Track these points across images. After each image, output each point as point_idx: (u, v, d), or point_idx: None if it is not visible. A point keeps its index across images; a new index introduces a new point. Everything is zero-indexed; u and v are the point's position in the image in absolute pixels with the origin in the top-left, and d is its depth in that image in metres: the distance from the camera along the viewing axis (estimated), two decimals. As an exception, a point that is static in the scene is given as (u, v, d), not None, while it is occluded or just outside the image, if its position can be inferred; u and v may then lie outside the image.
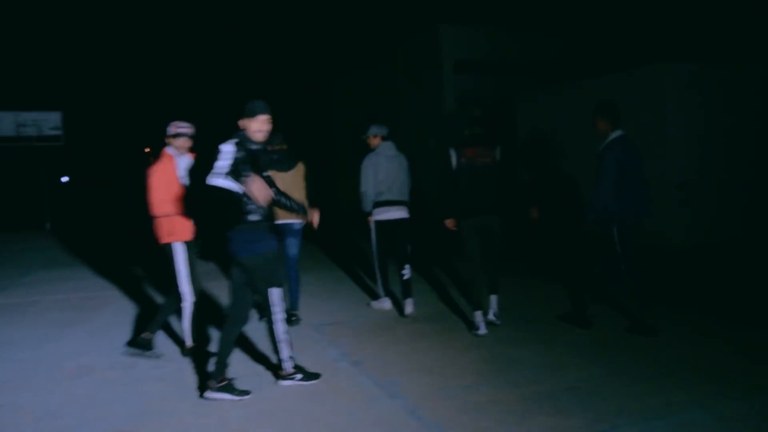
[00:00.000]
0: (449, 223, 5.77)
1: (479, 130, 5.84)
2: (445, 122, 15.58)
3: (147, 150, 49.51)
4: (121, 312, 6.92)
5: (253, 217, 4.16)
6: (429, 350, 5.12)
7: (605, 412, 3.77)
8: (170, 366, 4.90)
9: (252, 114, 4.24)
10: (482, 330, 5.53)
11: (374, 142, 6.52)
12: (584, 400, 3.95)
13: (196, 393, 4.28)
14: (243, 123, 4.25)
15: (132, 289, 8.24)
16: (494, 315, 5.80)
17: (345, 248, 11.28)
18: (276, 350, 4.41)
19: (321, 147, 22.73)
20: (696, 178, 9.86)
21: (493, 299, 5.81)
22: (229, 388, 4.20)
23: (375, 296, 6.92)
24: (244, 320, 4.36)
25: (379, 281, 6.63)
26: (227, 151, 4.03)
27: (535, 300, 6.79)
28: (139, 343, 5.19)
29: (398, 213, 6.42)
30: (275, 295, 4.31)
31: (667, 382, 4.22)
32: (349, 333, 5.72)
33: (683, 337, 5.26)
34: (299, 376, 4.42)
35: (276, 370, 4.55)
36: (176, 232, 5.11)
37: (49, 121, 19.46)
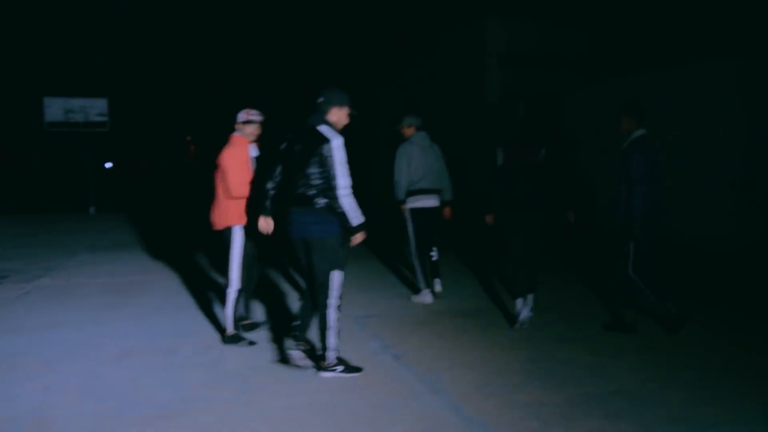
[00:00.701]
0: (488, 218, 5.92)
1: (523, 130, 6.15)
2: (488, 117, 15.39)
3: (188, 137, 50.31)
4: (163, 296, 6.97)
5: (323, 201, 4.25)
6: (472, 346, 5.03)
7: (657, 419, 3.63)
8: (212, 353, 4.90)
9: (343, 103, 4.32)
10: (524, 315, 5.53)
11: (408, 132, 6.64)
12: (634, 405, 3.82)
13: (238, 381, 4.26)
14: (335, 111, 4.34)
15: (173, 274, 8.31)
16: (529, 312, 5.60)
17: (383, 241, 11.21)
18: (322, 338, 4.35)
19: (363, 142, 22.65)
20: (753, 176, 9.52)
21: (530, 297, 5.65)
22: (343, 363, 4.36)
23: (415, 290, 6.84)
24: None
25: (419, 272, 6.63)
26: (342, 146, 4.21)
27: (577, 300, 6.63)
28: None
29: (431, 201, 6.57)
30: (336, 278, 4.31)
31: (720, 389, 4.06)
32: (390, 326, 5.65)
33: (734, 342, 5.07)
34: (340, 368, 4.37)
35: (318, 360, 4.50)
36: (242, 216, 5.12)
37: (95, 108, 19.79)
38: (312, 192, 4.25)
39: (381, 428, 3.53)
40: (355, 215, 4.23)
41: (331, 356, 4.35)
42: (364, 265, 8.72)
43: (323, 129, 4.28)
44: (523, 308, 5.54)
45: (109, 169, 46.84)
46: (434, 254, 6.67)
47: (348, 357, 4.69)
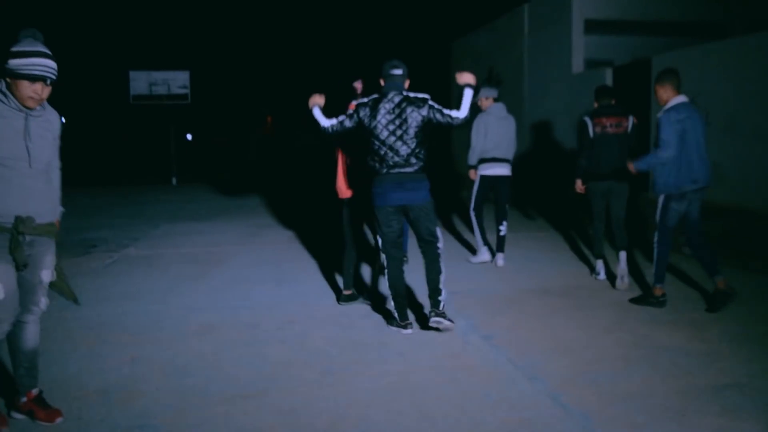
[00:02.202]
0: (578, 185, 6.18)
1: (612, 100, 6.29)
2: (574, 86, 14.67)
3: (268, 118, 50.99)
4: (244, 267, 6.94)
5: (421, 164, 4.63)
6: (565, 328, 4.72)
7: (784, 416, 3.26)
8: (294, 328, 4.78)
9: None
10: (602, 275, 6.09)
11: (485, 103, 6.90)
12: (754, 402, 3.43)
13: (322, 360, 4.11)
14: (407, 83, 4.66)
15: (254, 245, 8.30)
16: (623, 274, 5.83)
17: (455, 211, 10.89)
18: (436, 290, 4.56)
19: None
20: None
21: (622, 255, 5.91)
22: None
23: (473, 252, 7.22)
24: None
25: (478, 233, 6.99)
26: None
27: (674, 277, 6.17)
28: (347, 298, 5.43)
29: (502, 170, 6.85)
30: (439, 231, 4.71)
31: None
32: (475, 303, 5.40)
33: None
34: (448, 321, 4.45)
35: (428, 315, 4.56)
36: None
37: (177, 80, 20.14)
38: (419, 155, 4.55)
39: (476, 417, 3.29)
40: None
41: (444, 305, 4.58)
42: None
43: (413, 93, 4.57)
44: (601, 269, 6.10)
45: (191, 140, 48.09)
46: (503, 229, 6.88)
47: (435, 337, 4.49)
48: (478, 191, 6.90)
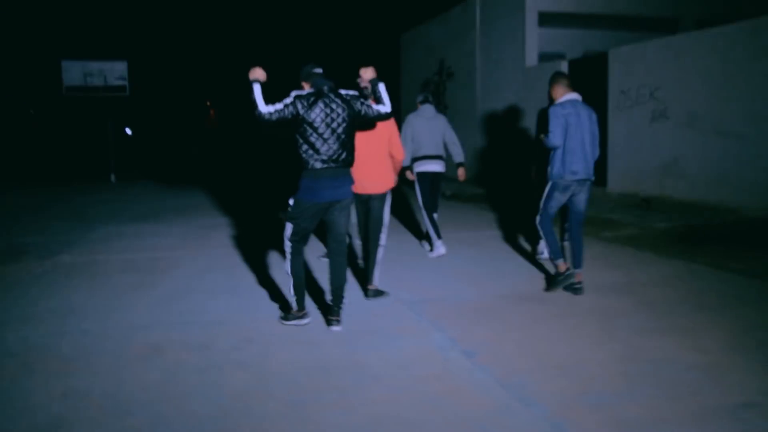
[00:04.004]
0: (534, 175, 6.44)
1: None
2: (527, 80, 14.42)
3: (208, 103, 49.54)
4: (193, 275, 6.35)
5: None
6: (551, 340, 4.32)
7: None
8: (252, 348, 4.24)
9: None
10: (545, 255, 6.40)
11: (419, 106, 7.36)
12: (777, 424, 3.10)
13: (287, 388, 3.60)
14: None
15: (203, 248, 7.69)
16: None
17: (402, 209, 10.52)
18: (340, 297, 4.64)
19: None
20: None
21: (567, 246, 5.88)
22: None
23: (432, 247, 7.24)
24: None
25: (431, 228, 7.16)
26: None
27: (653, 276, 5.90)
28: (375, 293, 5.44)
29: (435, 166, 7.19)
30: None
31: None
32: (450, 313, 4.96)
33: None
34: None
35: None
36: None
37: (114, 71, 19.12)
38: (350, 150, 4.65)
39: (470, 456, 2.86)
40: None
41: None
42: (402, 241, 8.03)
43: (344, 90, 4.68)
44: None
45: (130, 135, 46.34)
46: (434, 216, 7.29)
47: (412, 352, 4.06)
48: (421, 188, 7.21)
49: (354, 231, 6.00)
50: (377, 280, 5.51)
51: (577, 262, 5.52)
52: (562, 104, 5.40)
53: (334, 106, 4.49)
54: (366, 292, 5.47)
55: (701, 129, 9.75)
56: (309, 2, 31.36)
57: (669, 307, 5.04)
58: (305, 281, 4.79)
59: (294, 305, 4.70)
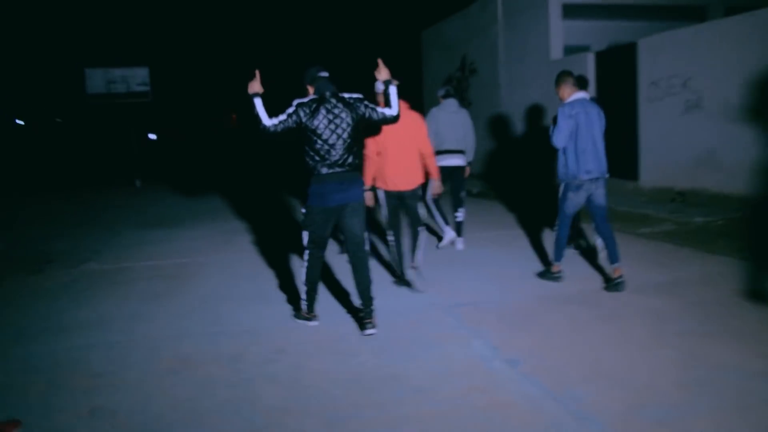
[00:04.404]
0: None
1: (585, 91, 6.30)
2: (552, 74, 14.08)
3: (229, 108, 49.69)
4: (219, 282, 6.20)
5: None
6: (600, 346, 4.09)
7: None
8: (284, 360, 4.06)
9: None
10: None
11: (441, 100, 7.40)
12: None
13: (323, 402, 3.42)
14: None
15: (229, 253, 7.54)
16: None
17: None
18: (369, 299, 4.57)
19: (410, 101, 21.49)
20: None
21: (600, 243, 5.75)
22: None
23: (440, 238, 7.35)
24: None
25: (439, 217, 7.15)
26: None
27: (698, 274, 5.62)
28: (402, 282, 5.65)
29: (456, 160, 7.20)
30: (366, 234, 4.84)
31: None
32: (489, 318, 4.74)
33: None
34: None
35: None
36: None
37: (136, 77, 19.14)
38: (356, 154, 4.61)
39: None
40: None
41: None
42: (430, 240, 7.81)
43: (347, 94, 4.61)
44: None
45: (154, 140, 46.61)
46: (459, 215, 7.32)
47: (452, 362, 3.86)
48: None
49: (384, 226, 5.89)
50: (420, 261, 5.70)
51: (612, 257, 5.41)
52: (571, 104, 5.37)
53: (337, 111, 4.46)
54: (404, 274, 5.72)
55: (738, 119, 9.39)
56: (329, 1, 31.27)
57: (720, 308, 4.77)
58: (320, 284, 4.83)
59: (304, 308, 4.73)
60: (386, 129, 5.33)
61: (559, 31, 14.42)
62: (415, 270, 5.66)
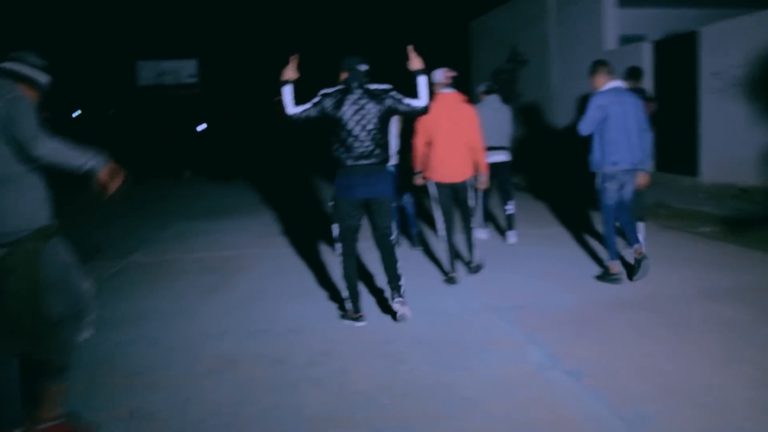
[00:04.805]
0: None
1: (634, 83, 6.59)
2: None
3: (276, 99, 49.86)
4: (265, 277, 6.07)
5: None
6: (668, 358, 3.78)
7: None
8: (330, 363, 3.88)
9: None
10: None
11: (482, 96, 7.41)
12: None
13: (371, 412, 3.22)
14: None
15: (276, 247, 7.43)
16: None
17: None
18: (395, 277, 4.56)
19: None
20: None
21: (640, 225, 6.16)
22: None
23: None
24: None
25: (482, 214, 7.28)
26: None
27: (765, 278, 5.25)
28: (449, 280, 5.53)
29: (499, 156, 7.21)
30: (394, 224, 4.77)
31: None
32: (545, 323, 4.48)
33: None
34: None
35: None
36: None
37: (185, 69, 19.34)
38: (383, 146, 4.54)
39: None
40: None
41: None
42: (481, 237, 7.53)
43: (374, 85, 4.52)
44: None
45: (202, 131, 47.15)
46: (509, 208, 7.26)
47: (506, 371, 3.60)
48: None
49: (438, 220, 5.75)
50: (478, 258, 5.85)
51: (631, 240, 5.46)
52: (602, 93, 5.31)
53: (363, 102, 4.38)
54: (469, 268, 5.84)
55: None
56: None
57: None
58: (370, 283, 4.88)
59: (350, 308, 4.60)
60: (436, 120, 5.39)
61: (614, 20, 13.91)
62: (477, 268, 5.80)
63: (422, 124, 5.54)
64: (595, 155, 5.37)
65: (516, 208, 7.38)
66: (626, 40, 13.81)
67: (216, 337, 4.41)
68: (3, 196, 2.81)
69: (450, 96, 5.62)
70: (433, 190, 5.64)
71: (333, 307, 4.99)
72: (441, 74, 5.67)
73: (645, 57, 11.93)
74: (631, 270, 5.41)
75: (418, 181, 5.81)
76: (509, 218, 7.25)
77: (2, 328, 2.84)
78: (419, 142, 5.63)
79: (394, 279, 4.56)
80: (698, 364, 3.68)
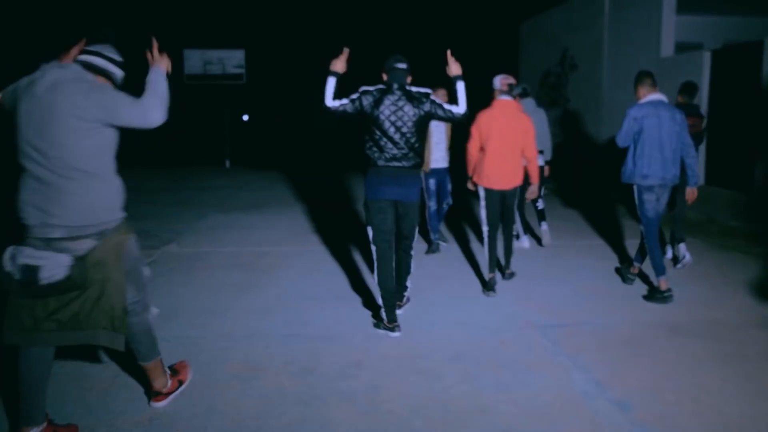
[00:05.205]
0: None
1: (687, 99, 6.65)
2: (663, 73, 13.06)
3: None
4: (300, 275, 5.92)
5: None
6: (726, 393, 3.49)
7: None
8: (361, 376, 3.69)
9: None
10: (688, 258, 6.23)
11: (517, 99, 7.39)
12: None
13: (399, 431, 3.03)
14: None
15: (313, 243, 7.28)
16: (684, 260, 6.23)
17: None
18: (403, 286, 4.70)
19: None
20: None
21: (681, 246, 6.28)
22: None
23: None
24: None
25: (520, 225, 7.15)
26: None
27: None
28: (488, 286, 5.40)
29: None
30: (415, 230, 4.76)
31: None
32: (591, 345, 4.21)
33: None
34: None
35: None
36: None
37: (232, 59, 19.33)
38: (417, 150, 4.48)
39: None
40: None
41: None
42: (520, 246, 7.25)
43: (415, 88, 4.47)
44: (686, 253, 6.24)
45: (246, 122, 47.43)
46: (540, 204, 7.26)
47: (548, 397, 3.36)
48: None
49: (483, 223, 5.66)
50: (513, 266, 5.88)
51: (641, 258, 5.62)
52: (639, 106, 5.29)
53: (401, 103, 4.32)
54: (503, 275, 5.78)
55: None
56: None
57: None
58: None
59: (384, 317, 4.41)
60: (490, 126, 5.38)
61: (671, 26, 13.40)
62: (511, 276, 5.74)
63: (477, 129, 5.48)
64: (627, 166, 5.34)
65: (559, 218, 7.16)
66: (682, 47, 13.33)
67: (245, 340, 4.26)
68: (92, 189, 2.87)
69: (508, 103, 5.53)
70: (482, 195, 5.55)
71: (367, 314, 4.80)
72: (499, 81, 5.63)
73: (704, 66, 11.45)
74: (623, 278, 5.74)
75: (469, 186, 5.75)
76: (541, 212, 7.26)
77: (66, 322, 2.86)
78: (473, 147, 5.56)
79: (401, 288, 4.66)
80: (757, 402, 3.39)
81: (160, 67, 3.06)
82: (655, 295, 5.22)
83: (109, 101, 2.84)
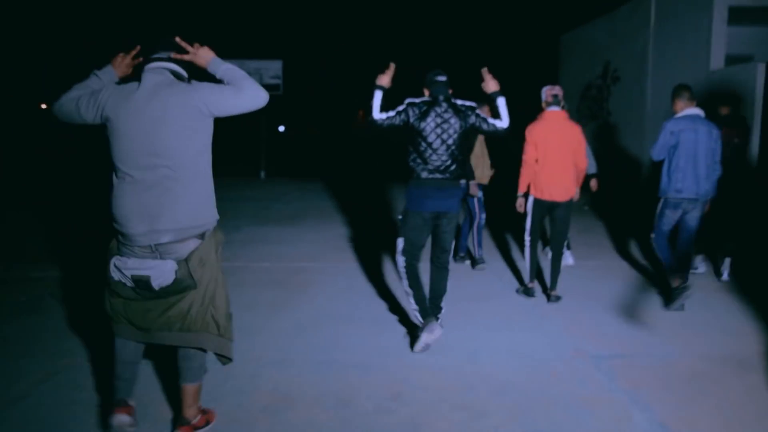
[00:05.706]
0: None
1: (729, 110, 6.71)
2: (712, 86, 12.58)
3: (361, 112, 50.07)
4: (332, 297, 5.66)
5: None
6: (806, 442, 3.13)
7: None
8: (400, 411, 3.40)
9: None
10: (725, 276, 6.22)
11: None
12: None
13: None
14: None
15: (343, 263, 7.02)
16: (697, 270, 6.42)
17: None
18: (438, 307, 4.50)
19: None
20: None
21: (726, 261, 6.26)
22: None
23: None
24: None
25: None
26: None
27: None
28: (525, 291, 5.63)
29: None
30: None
31: None
32: (650, 379, 3.86)
33: None
34: None
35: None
36: None
37: (269, 70, 19.31)
38: (460, 163, 4.48)
39: None
40: None
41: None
42: (566, 266, 6.88)
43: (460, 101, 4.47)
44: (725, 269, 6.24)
45: (282, 132, 47.71)
46: None
47: (608, 445, 3.03)
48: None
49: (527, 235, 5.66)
50: (559, 288, 5.59)
51: (677, 271, 5.37)
52: (676, 119, 5.34)
53: (446, 116, 4.34)
54: (548, 297, 5.56)
55: None
56: (468, 2, 30.51)
57: None
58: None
59: (419, 318, 4.33)
60: (547, 137, 5.37)
61: (722, 37, 12.90)
62: (557, 299, 5.53)
63: (533, 142, 5.46)
64: (663, 181, 5.39)
65: (600, 236, 6.87)
66: (731, 60, 12.82)
67: (275, 365, 4.01)
68: (198, 188, 2.90)
69: (557, 114, 5.50)
70: (530, 205, 5.57)
71: (406, 340, 4.52)
72: (545, 92, 5.63)
73: (758, 78, 10.96)
74: (669, 298, 5.36)
75: (519, 206, 5.70)
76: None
77: (176, 321, 2.88)
78: (530, 159, 5.49)
79: (435, 309, 4.49)
80: None
81: (211, 58, 3.01)
82: (674, 293, 5.26)
83: (216, 95, 2.85)
